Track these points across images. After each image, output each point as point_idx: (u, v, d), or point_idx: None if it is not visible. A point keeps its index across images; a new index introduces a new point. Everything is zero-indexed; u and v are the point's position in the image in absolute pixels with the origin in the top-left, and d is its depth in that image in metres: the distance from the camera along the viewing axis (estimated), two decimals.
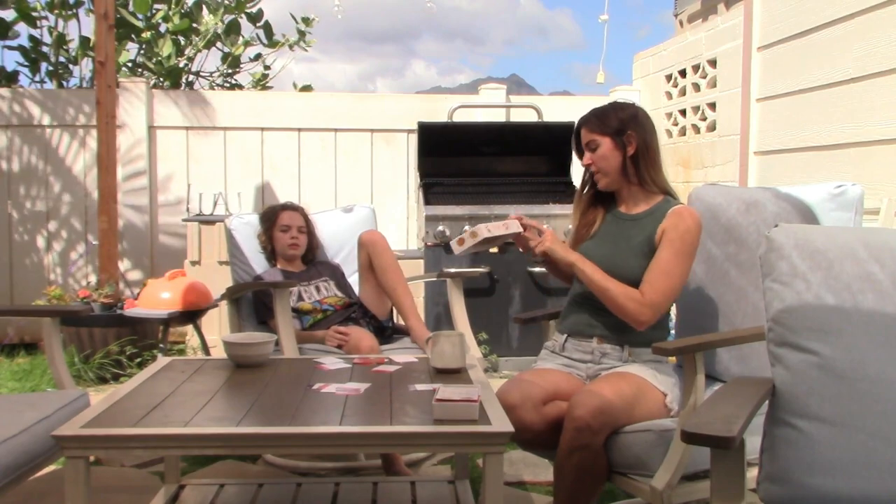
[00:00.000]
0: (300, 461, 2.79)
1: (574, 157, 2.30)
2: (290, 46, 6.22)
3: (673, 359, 2.18)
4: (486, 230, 2.18)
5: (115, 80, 4.73)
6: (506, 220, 2.20)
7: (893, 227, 2.70)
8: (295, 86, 6.24)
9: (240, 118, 5.10)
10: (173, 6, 5.67)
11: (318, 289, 3.03)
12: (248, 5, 5.95)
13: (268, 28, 6.12)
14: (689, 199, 2.47)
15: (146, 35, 5.64)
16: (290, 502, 2.21)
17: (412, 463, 2.81)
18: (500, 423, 1.68)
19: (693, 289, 2.33)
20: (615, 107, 2.18)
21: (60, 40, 5.52)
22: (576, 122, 2.25)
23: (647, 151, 2.14)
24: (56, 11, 5.42)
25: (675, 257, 2.04)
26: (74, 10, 5.53)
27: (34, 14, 5.45)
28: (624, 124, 2.13)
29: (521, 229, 2.19)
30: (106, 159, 4.53)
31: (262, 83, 6.32)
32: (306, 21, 6.17)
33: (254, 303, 3.03)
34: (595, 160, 2.15)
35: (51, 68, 5.61)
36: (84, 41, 5.56)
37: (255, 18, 6.07)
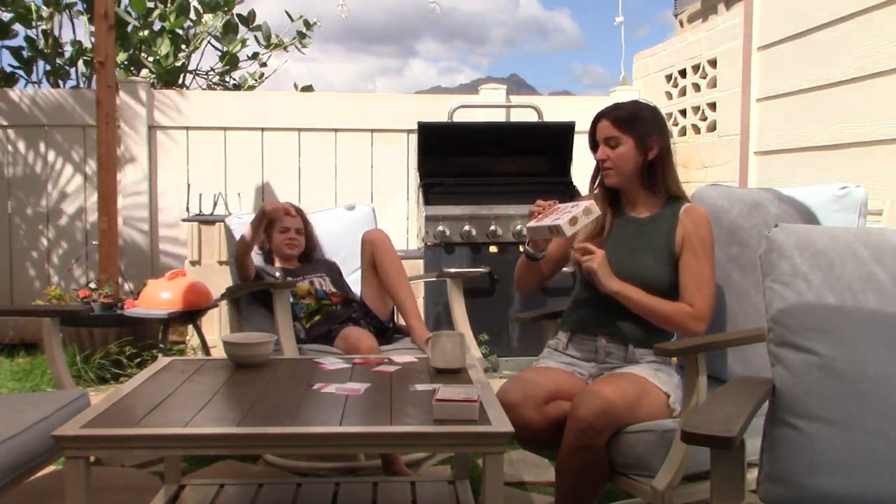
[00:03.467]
0: (300, 461, 2.79)
1: (574, 156, 2.29)
2: (285, 48, 6.22)
3: (675, 359, 2.18)
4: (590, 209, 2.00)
5: (115, 80, 4.73)
6: (582, 204, 2.01)
7: None
8: (296, 87, 6.24)
9: (240, 118, 5.10)
10: (170, 4, 5.67)
11: (312, 283, 3.03)
12: (237, 4, 5.95)
13: (266, 31, 6.12)
14: (691, 200, 2.47)
15: (143, 34, 5.65)
16: (290, 502, 2.21)
17: (412, 463, 2.80)
18: (500, 423, 1.68)
19: None
20: (640, 107, 2.16)
21: (56, 42, 5.52)
22: (585, 118, 2.22)
23: (668, 157, 2.14)
24: (50, 10, 5.42)
25: (706, 261, 2.06)
26: (67, 11, 5.54)
27: (30, 16, 5.45)
28: (650, 128, 2.11)
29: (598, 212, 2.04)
30: (106, 159, 4.53)
31: (258, 82, 6.31)
32: (308, 25, 6.16)
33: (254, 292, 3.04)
34: (612, 157, 2.12)
35: (48, 69, 5.61)
36: (78, 43, 5.56)
37: (247, 20, 6.07)
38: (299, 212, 3.22)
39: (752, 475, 1.53)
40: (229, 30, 5.98)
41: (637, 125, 2.11)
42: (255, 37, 6.16)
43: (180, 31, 5.87)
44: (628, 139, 2.11)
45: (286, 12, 6.20)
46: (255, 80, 6.33)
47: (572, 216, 1.96)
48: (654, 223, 2.14)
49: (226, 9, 5.89)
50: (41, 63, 5.67)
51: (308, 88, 6.21)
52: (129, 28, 5.72)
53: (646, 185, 2.15)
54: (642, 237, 2.13)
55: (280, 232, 3.13)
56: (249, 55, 6.29)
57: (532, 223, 2.07)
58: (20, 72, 5.69)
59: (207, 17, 5.78)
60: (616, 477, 1.89)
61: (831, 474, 1.38)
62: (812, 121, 3.31)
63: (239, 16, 6.02)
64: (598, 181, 2.24)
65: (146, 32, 5.66)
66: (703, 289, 2.04)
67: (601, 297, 2.12)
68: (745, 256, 2.23)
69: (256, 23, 6.13)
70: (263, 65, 6.36)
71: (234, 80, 6.37)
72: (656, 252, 2.10)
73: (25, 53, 5.64)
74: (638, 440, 1.84)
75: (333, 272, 3.17)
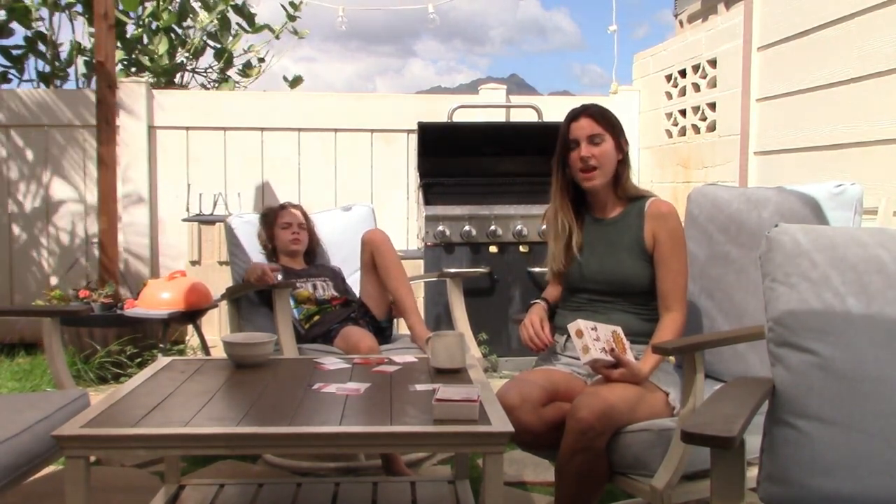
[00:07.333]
0: (300, 461, 2.79)
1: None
2: (277, 36, 6.19)
3: (672, 358, 2.18)
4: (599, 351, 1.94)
5: (115, 80, 4.73)
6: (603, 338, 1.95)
7: (892, 227, 2.70)
8: (286, 79, 6.22)
9: (240, 118, 5.10)
10: (162, 2, 5.67)
11: (315, 287, 3.03)
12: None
13: (249, 16, 6.09)
14: (689, 198, 2.48)
15: (137, 32, 5.64)
16: (290, 502, 2.21)
17: (412, 463, 2.81)
18: (500, 423, 1.68)
19: (694, 284, 2.34)
20: (606, 108, 2.22)
21: (53, 43, 5.52)
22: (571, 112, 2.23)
23: (629, 159, 2.20)
24: (49, 10, 5.42)
25: (677, 256, 2.09)
26: (66, 11, 5.53)
27: (29, 16, 5.44)
28: (621, 128, 2.18)
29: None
30: (106, 159, 4.53)
31: (255, 74, 6.29)
32: (294, 6, 6.15)
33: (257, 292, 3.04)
34: (597, 155, 2.12)
35: (47, 69, 5.60)
36: (77, 44, 5.56)
37: (241, 10, 6.05)
38: (298, 207, 3.24)
39: (752, 475, 1.53)
40: (224, 26, 5.97)
41: (614, 123, 2.16)
42: (240, 24, 6.10)
43: (178, 29, 5.86)
44: (609, 136, 2.14)
45: (282, 6, 6.18)
46: (255, 71, 6.29)
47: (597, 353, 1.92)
48: (623, 222, 2.17)
49: (224, 6, 5.87)
50: (33, 62, 5.66)
51: (297, 80, 6.19)
52: (127, 27, 5.71)
53: (614, 185, 2.18)
54: (614, 237, 2.16)
55: (282, 228, 3.14)
56: (245, 48, 6.28)
57: (586, 359, 1.94)
58: (13, 71, 5.68)
59: (204, 16, 5.77)
60: (615, 477, 1.89)
61: (831, 474, 1.38)
62: (812, 121, 3.31)
63: (233, 6, 5.99)
64: (563, 188, 2.22)
65: (141, 31, 5.65)
66: (679, 283, 2.08)
67: (593, 298, 2.16)
68: (743, 234, 2.27)
69: (239, 7, 6.10)
70: (261, 60, 6.35)
71: (230, 77, 6.35)
72: (630, 249, 2.13)
73: (16, 52, 5.62)
74: (636, 440, 1.85)
75: (337, 279, 3.17)
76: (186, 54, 5.92)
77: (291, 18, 6.16)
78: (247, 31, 6.13)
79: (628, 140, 2.21)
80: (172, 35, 5.75)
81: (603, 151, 2.12)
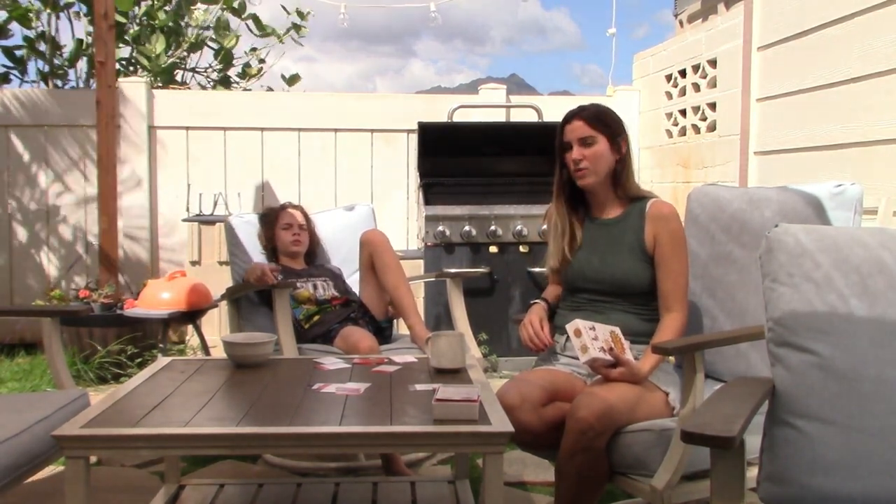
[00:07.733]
0: (300, 461, 2.79)
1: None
2: (280, 39, 6.18)
3: (672, 358, 2.18)
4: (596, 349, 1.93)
5: (115, 79, 4.73)
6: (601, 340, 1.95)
7: (892, 227, 2.70)
8: (283, 77, 6.22)
9: (240, 118, 5.10)
10: (157, 2, 5.66)
11: (315, 287, 3.03)
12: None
13: (256, 19, 6.09)
14: (689, 197, 2.48)
15: (133, 31, 5.64)
16: (290, 502, 2.21)
17: (412, 463, 2.81)
18: (500, 423, 1.68)
19: (696, 283, 2.34)
20: (605, 108, 2.21)
21: (54, 43, 5.52)
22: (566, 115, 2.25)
23: (630, 158, 2.19)
24: (48, 11, 5.42)
25: (678, 257, 2.09)
26: (66, 11, 5.53)
27: (29, 16, 5.44)
28: (618, 128, 2.17)
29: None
30: (106, 159, 4.53)
31: (255, 74, 6.29)
32: (301, 15, 6.15)
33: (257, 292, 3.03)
34: (588, 156, 2.14)
35: (47, 69, 5.60)
36: (79, 42, 5.56)
37: (239, 12, 6.04)
38: (299, 208, 3.23)
39: (752, 475, 1.53)
40: (222, 26, 5.96)
41: (608, 124, 2.16)
42: (247, 25, 6.09)
43: (175, 27, 5.85)
44: (602, 138, 2.15)
45: (283, 7, 6.18)
46: (255, 71, 6.30)
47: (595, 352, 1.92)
48: (624, 222, 2.17)
49: (223, 6, 5.87)
50: (35, 62, 5.65)
51: (295, 78, 6.18)
52: (127, 26, 5.71)
53: (613, 185, 2.18)
54: (615, 238, 2.17)
55: (283, 229, 3.13)
56: (247, 50, 6.28)
57: (584, 358, 1.94)
58: (14, 72, 5.68)
59: (198, 13, 5.77)
60: (615, 477, 1.89)
61: (831, 474, 1.39)
62: (812, 121, 3.31)
63: (231, 8, 5.99)
64: (560, 188, 2.24)
65: (137, 29, 5.65)
66: (679, 284, 2.08)
67: (593, 298, 2.16)
68: (745, 234, 2.27)
69: (249, 14, 6.08)
70: (262, 61, 6.35)
71: (230, 76, 6.35)
72: (631, 250, 2.13)
73: (18, 53, 5.62)
74: (636, 440, 1.85)
75: (337, 279, 3.17)
76: (183, 53, 5.92)
77: (297, 28, 6.16)
78: (256, 35, 6.13)
79: (627, 138, 2.20)
80: (166, 30, 5.74)
81: (594, 153, 2.14)
